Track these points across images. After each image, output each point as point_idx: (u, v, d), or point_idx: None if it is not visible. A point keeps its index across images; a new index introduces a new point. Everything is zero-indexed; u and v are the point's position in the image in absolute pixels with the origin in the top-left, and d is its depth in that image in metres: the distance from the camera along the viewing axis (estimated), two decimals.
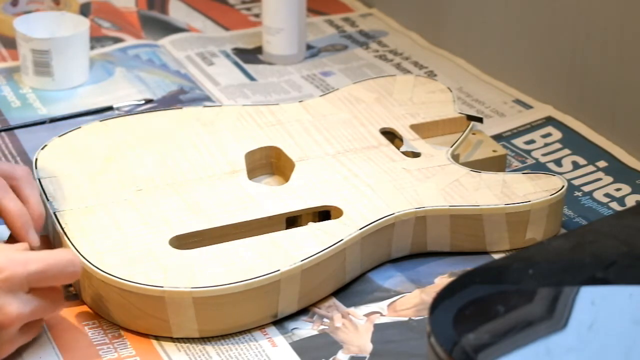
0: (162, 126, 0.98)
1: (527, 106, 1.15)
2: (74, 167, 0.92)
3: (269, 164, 0.97)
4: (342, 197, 0.88)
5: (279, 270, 0.80)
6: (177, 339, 0.80)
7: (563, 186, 0.91)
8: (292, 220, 0.88)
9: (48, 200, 0.87)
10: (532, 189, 0.90)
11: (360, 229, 0.84)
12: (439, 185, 0.90)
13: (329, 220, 0.86)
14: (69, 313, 0.82)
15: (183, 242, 0.84)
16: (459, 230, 0.89)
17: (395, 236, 0.88)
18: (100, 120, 0.99)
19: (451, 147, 0.96)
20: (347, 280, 0.86)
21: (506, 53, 1.20)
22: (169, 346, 0.79)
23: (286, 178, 0.93)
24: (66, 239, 0.83)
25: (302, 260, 0.81)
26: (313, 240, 0.83)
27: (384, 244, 0.88)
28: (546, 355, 0.64)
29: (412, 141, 0.97)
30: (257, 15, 1.38)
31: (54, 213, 0.86)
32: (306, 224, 0.86)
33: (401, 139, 0.98)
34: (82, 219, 0.85)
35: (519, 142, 1.09)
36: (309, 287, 0.82)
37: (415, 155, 0.95)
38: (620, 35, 1.04)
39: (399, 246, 0.89)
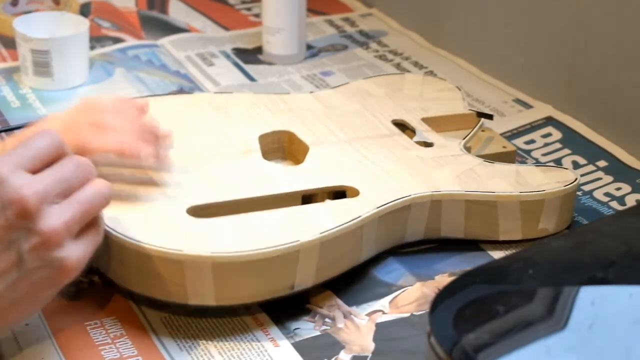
0: (174, 109, 0.98)
1: (527, 106, 1.15)
2: None
3: (281, 148, 0.96)
4: (358, 179, 0.88)
5: (298, 240, 0.79)
6: (178, 337, 0.80)
7: (576, 179, 0.92)
8: (308, 199, 0.87)
9: None
10: (545, 180, 0.91)
11: (377, 208, 0.84)
12: (454, 172, 0.91)
13: (347, 198, 0.86)
14: (71, 313, 0.82)
15: (200, 213, 0.83)
16: (474, 217, 0.89)
17: (410, 219, 0.88)
18: None
19: (463, 139, 0.97)
20: (362, 259, 0.85)
21: (506, 53, 1.20)
22: (171, 346, 0.79)
23: (298, 163, 0.93)
24: None
25: (321, 233, 0.80)
26: (331, 215, 0.83)
27: (399, 226, 0.88)
28: (546, 355, 0.64)
29: (424, 132, 0.97)
30: (257, 15, 1.39)
31: None
32: (322, 202, 0.86)
33: (413, 131, 0.98)
34: None
35: (519, 142, 1.09)
36: (326, 261, 0.81)
37: (428, 145, 0.96)
38: (620, 35, 1.04)
39: (413, 229, 0.89)
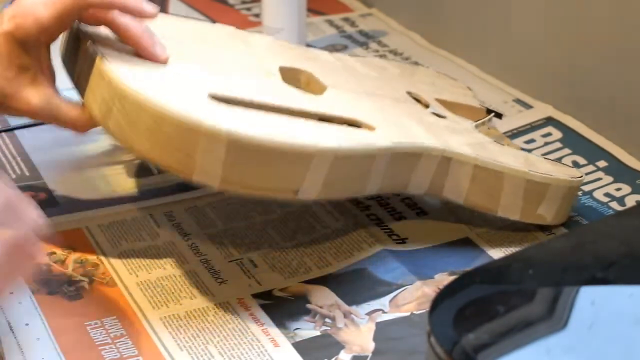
0: (193, 31, 0.95)
1: (527, 106, 1.16)
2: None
3: (298, 87, 0.94)
4: (374, 119, 0.87)
5: (317, 144, 0.78)
6: (178, 337, 0.80)
7: (582, 176, 0.93)
8: None
9: (79, 26, 0.84)
10: (552, 169, 0.92)
11: (392, 142, 0.84)
12: (466, 141, 0.91)
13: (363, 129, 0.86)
14: (71, 313, 0.82)
15: (221, 101, 0.81)
16: (478, 184, 0.89)
17: (418, 168, 0.87)
18: None
19: (475, 122, 0.97)
20: (366, 192, 0.85)
21: (506, 53, 1.20)
22: (171, 346, 0.79)
23: None
24: (103, 61, 0.79)
25: (339, 144, 0.80)
26: (349, 136, 0.82)
27: (406, 172, 0.87)
28: (546, 355, 0.64)
29: (438, 108, 0.98)
30: (257, 15, 1.39)
31: (93, 41, 0.82)
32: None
33: (427, 105, 0.98)
34: (123, 54, 0.82)
35: (519, 142, 1.09)
36: (334, 177, 0.80)
37: (441, 117, 0.96)
38: (620, 34, 1.04)
39: (418, 180, 0.88)
